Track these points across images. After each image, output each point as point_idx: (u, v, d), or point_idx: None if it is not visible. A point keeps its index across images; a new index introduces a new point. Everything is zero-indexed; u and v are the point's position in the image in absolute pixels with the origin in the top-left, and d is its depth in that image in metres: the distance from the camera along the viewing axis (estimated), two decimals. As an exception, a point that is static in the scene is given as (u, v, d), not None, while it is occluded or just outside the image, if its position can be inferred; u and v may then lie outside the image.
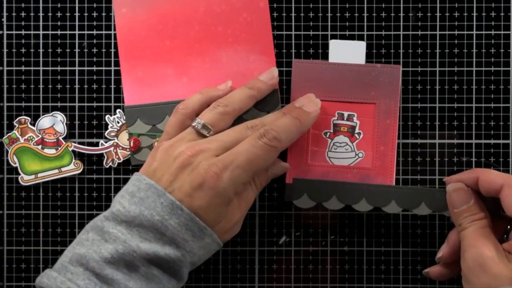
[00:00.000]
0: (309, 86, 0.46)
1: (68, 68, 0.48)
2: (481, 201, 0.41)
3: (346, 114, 0.46)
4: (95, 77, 0.47)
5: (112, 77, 0.47)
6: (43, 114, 0.47)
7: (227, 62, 0.47)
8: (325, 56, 0.47)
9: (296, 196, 0.46)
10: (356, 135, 0.46)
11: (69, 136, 0.48)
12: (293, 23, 0.47)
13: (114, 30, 0.47)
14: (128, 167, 0.47)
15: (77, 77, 0.48)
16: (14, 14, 0.48)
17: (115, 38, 0.47)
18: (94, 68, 0.48)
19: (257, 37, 0.47)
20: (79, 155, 0.47)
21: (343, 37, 0.47)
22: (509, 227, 0.41)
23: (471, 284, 0.38)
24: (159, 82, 0.47)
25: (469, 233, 0.40)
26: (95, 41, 0.47)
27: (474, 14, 0.47)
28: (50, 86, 0.48)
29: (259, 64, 0.47)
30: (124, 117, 0.47)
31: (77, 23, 0.48)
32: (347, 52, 0.46)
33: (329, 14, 0.47)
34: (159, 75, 0.47)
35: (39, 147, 0.47)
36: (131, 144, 0.46)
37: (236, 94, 0.43)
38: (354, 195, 0.45)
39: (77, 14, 0.48)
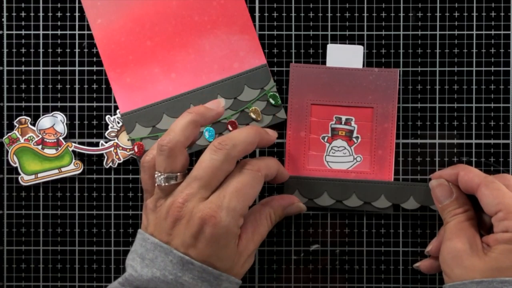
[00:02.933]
0: (307, 90, 0.46)
1: (68, 68, 0.48)
2: (464, 195, 0.42)
3: (344, 118, 0.46)
4: (95, 77, 0.47)
5: (112, 77, 0.47)
6: (43, 114, 0.47)
7: (210, 49, 0.47)
8: (325, 56, 0.47)
9: (288, 193, 0.46)
10: (354, 139, 0.46)
11: (69, 136, 0.48)
12: (293, 23, 0.47)
13: (114, 30, 0.47)
14: (128, 167, 0.47)
15: (77, 77, 0.48)
16: (14, 14, 0.48)
17: (115, 38, 0.47)
18: (94, 68, 0.48)
19: (234, 18, 0.47)
20: (79, 155, 0.47)
21: (343, 37, 0.47)
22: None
23: (448, 276, 0.39)
24: (149, 83, 0.47)
25: (449, 226, 0.41)
26: (95, 41, 0.47)
27: (474, 14, 0.47)
28: (50, 86, 0.48)
29: (243, 43, 0.47)
30: (124, 117, 0.47)
31: (77, 23, 0.48)
32: (344, 56, 0.46)
33: (329, 14, 0.47)
34: (147, 77, 0.47)
35: (39, 147, 0.47)
36: (136, 150, 0.46)
37: (176, 124, 0.39)
38: (344, 191, 0.46)
39: (77, 14, 0.48)
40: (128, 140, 0.47)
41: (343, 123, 0.46)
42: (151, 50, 0.47)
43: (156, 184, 0.39)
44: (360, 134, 0.46)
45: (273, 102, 0.46)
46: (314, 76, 0.46)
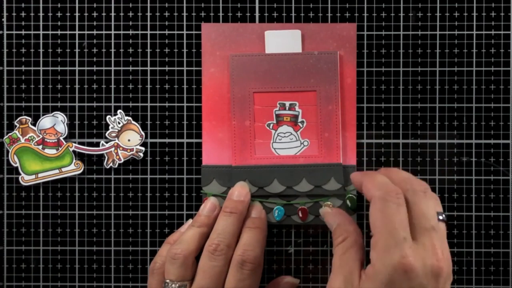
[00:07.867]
0: (248, 79, 0.46)
1: (68, 68, 0.48)
2: (349, 219, 0.42)
3: (287, 103, 0.46)
4: (95, 77, 0.47)
5: (112, 77, 0.47)
6: (43, 114, 0.47)
7: None
8: (325, 56, 0.47)
9: (238, 180, 0.46)
10: (299, 123, 0.46)
11: (70, 136, 0.48)
12: (293, 23, 0.47)
13: (115, 30, 0.47)
14: (129, 168, 0.47)
15: (77, 77, 0.48)
16: (14, 14, 0.48)
17: (115, 38, 0.47)
18: (94, 68, 0.48)
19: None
20: (79, 156, 0.47)
21: (343, 37, 0.47)
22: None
23: None
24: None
25: (333, 262, 0.39)
26: (95, 41, 0.47)
27: (474, 14, 0.47)
28: (50, 86, 0.48)
29: (343, 139, 0.47)
30: (130, 120, 0.47)
31: (77, 23, 0.48)
32: (283, 41, 0.46)
33: (329, 14, 0.47)
34: None
35: (40, 147, 0.47)
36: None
37: (187, 234, 0.42)
38: (294, 177, 0.46)
39: (77, 14, 0.48)
40: (128, 140, 0.47)
41: (287, 108, 0.46)
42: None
43: None
44: (305, 118, 0.46)
45: (349, 204, 0.46)
46: (255, 64, 0.46)
